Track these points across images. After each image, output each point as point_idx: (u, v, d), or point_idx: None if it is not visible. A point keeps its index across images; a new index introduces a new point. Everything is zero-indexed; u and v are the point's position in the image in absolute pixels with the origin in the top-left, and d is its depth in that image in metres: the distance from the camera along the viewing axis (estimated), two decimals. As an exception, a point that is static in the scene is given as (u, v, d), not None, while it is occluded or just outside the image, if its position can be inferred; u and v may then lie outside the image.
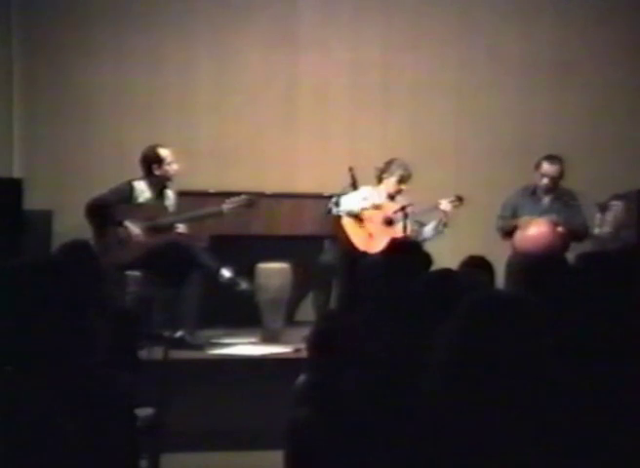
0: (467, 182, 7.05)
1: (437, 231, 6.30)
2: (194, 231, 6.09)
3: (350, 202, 6.15)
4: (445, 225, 6.29)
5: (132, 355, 3.36)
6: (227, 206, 5.92)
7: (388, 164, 6.35)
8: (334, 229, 6.27)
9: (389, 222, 6.26)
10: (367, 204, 6.19)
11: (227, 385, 5.24)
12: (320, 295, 6.18)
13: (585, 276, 3.06)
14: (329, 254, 6.27)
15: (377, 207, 6.23)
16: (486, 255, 4.17)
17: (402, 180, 6.33)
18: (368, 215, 6.19)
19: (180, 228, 5.97)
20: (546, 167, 6.38)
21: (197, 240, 6.06)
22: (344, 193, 6.23)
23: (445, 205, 6.22)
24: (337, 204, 6.17)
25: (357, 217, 6.18)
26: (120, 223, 5.80)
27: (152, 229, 5.85)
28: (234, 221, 6.26)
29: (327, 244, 6.35)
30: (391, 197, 6.34)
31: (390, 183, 6.32)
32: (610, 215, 6.41)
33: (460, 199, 6.26)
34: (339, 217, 6.20)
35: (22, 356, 1.97)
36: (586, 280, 3.01)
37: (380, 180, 6.34)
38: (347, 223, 6.17)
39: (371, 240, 6.08)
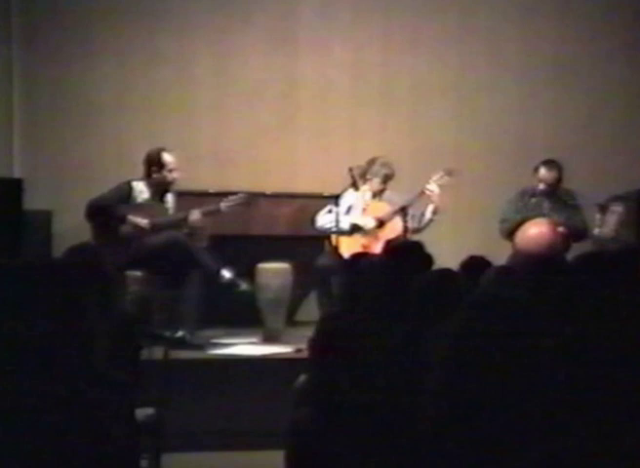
0: (467, 182, 7.05)
1: (429, 220, 6.21)
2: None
3: (330, 219, 6.12)
4: (435, 212, 6.21)
5: (132, 355, 3.36)
6: (225, 204, 5.91)
7: (371, 163, 6.32)
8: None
9: (381, 224, 6.25)
10: (367, 223, 6.20)
11: (228, 385, 5.24)
12: (322, 297, 6.16)
13: (585, 276, 3.06)
14: (325, 257, 6.24)
15: (380, 222, 6.21)
16: (486, 255, 4.16)
17: (386, 179, 6.33)
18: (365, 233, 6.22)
19: (194, 217, 5.89)
20: (544, 172, 6.40)
21: (201, 236, 6.04)
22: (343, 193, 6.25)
23: (431, 187, 6.12)
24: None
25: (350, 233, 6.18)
26: (123, 219, 5.79)
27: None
28: (234, 221, 6.26)
29: (327, 245, 6.34)
30: (374, 195, 6.34)
31: (375, 183, 6.30)
32: (610, 216, 6.42)
33: (449, 173, 6.20)
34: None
35: (23, 356, 1.97)
36: (586, 280, 3.01)
37: (355, 181, 6.20)
38: (337, 239, 6.10)
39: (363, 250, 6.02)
